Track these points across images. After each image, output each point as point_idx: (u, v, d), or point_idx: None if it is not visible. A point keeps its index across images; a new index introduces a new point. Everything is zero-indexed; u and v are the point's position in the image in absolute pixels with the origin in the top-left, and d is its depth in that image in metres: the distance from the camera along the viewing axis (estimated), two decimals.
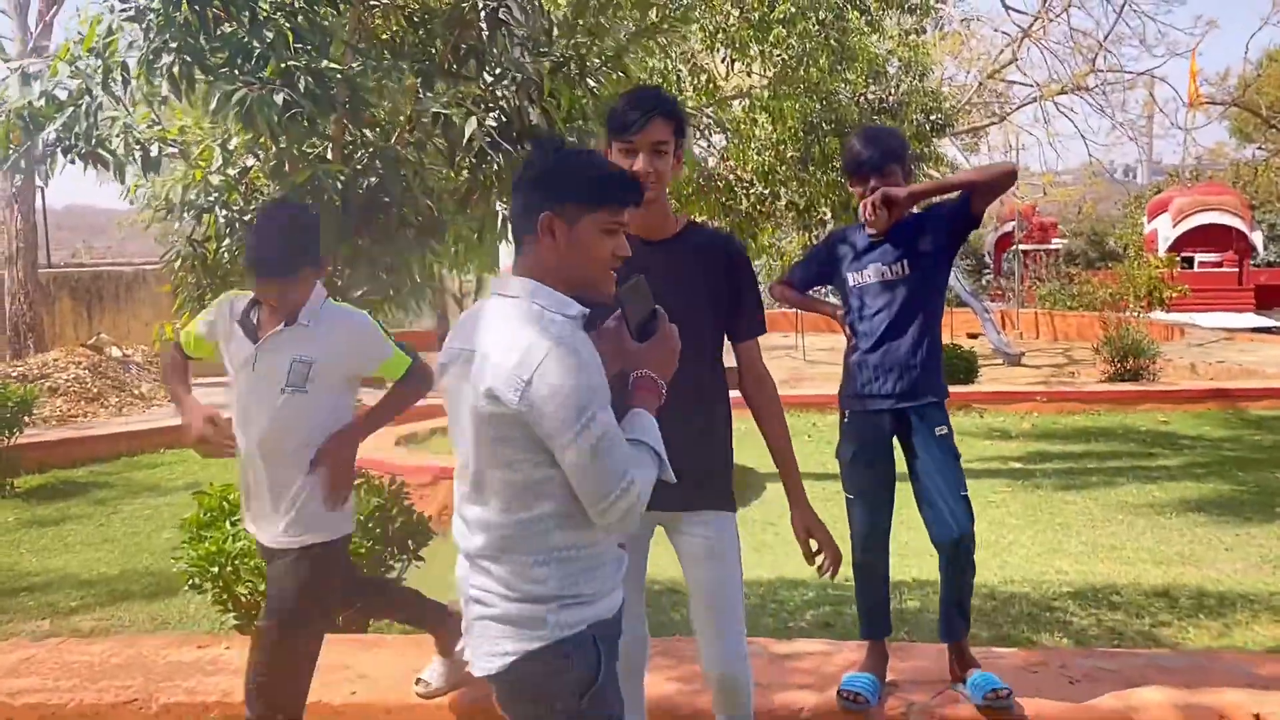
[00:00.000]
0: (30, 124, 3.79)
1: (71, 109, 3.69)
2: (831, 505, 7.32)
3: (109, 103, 3.79)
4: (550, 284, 1.98)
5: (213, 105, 3.16)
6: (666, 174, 2.56)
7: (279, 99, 3.12)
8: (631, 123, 2.49)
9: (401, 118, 3.75)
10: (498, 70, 3.53)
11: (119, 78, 3.67)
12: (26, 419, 9.27)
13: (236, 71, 3.34)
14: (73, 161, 4.04)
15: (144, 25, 3.35)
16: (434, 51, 3.67)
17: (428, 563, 4.24)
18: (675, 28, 4.12)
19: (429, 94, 3.47)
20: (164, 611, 5.27)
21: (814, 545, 2.78)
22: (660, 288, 2.49)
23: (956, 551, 3.29)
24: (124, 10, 3.42)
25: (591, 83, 3.67)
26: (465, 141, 3.56)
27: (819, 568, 2.80)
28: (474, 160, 3.83)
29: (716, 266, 2.62)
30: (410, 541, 4.09)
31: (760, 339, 2.77)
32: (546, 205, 1.96)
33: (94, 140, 3.83)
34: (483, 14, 3.46)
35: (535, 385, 1.86)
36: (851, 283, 3.31)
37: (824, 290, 3.86)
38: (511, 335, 1.91)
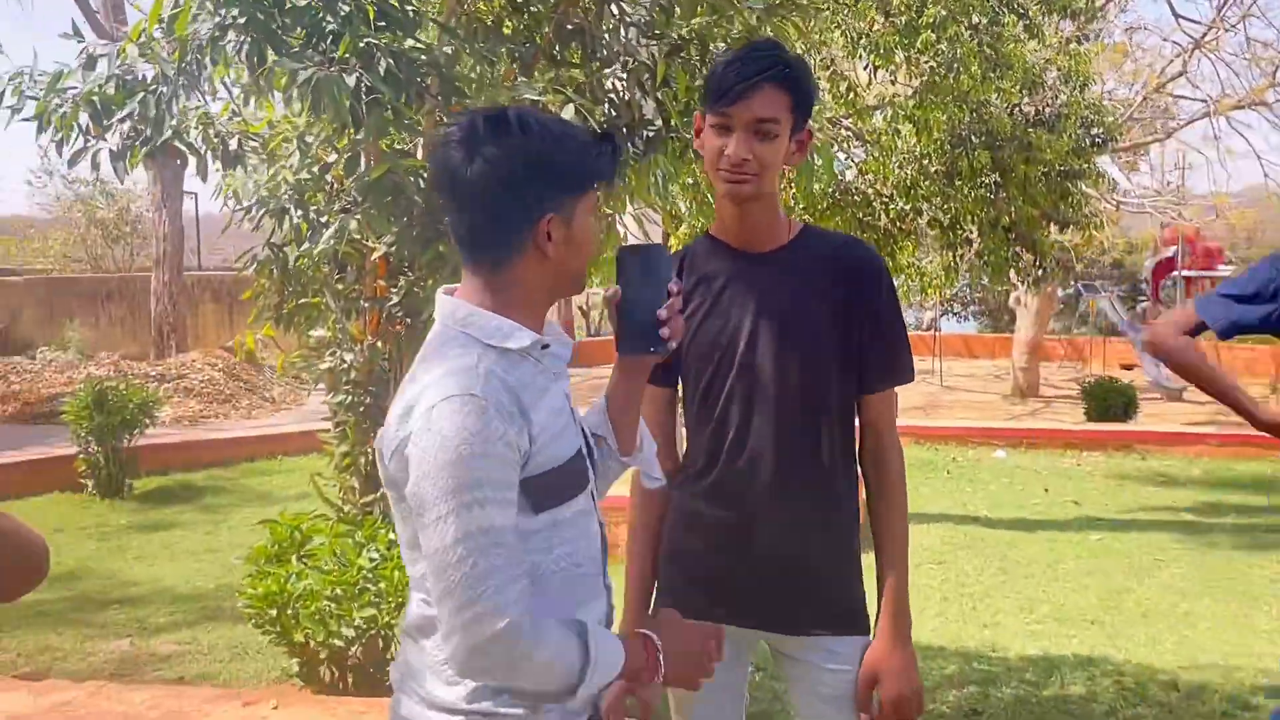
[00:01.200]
0: (102, 112, 3.48)
1: (143, 95, 3.36)
2: (967, 553, 6.57)
3: (185, 90, 3.45)
4: (519, 304, 1.50)
5: (279, 87, 2.77)
6: (774, 163, 1.88)
7: (350, 80, 2.71)
8: (729, 88, 1.82)
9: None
10: (604, 54, 3.05)
11: (194, 61, 3.31)
12: (147, 420, 9.27)
13: (312, 51, 2.94)
14: (151, 155, 3.72)
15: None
16: (537, 36, 3.21)
17: None
18: (815, 5, 3.56)
19: (524, 80, 3.01)
20: (245, 639, 4.95)
21: (876, 696, 1.97)
22: (762, 317, 1.93)
23: None
24: None
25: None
26: None
27: None
28: None
29: (844, 285, 1.93)
30: None
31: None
32: (542, 206, 1.47)
33: (169, 131, 3.50)
34: None
35: (412, 443, 1.40)
36: None
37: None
38: (413, 377, 1.48)
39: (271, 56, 3.00)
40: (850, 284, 1.95)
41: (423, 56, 2.90)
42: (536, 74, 3.13)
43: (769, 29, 3.16)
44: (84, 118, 3.46)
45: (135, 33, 3.38)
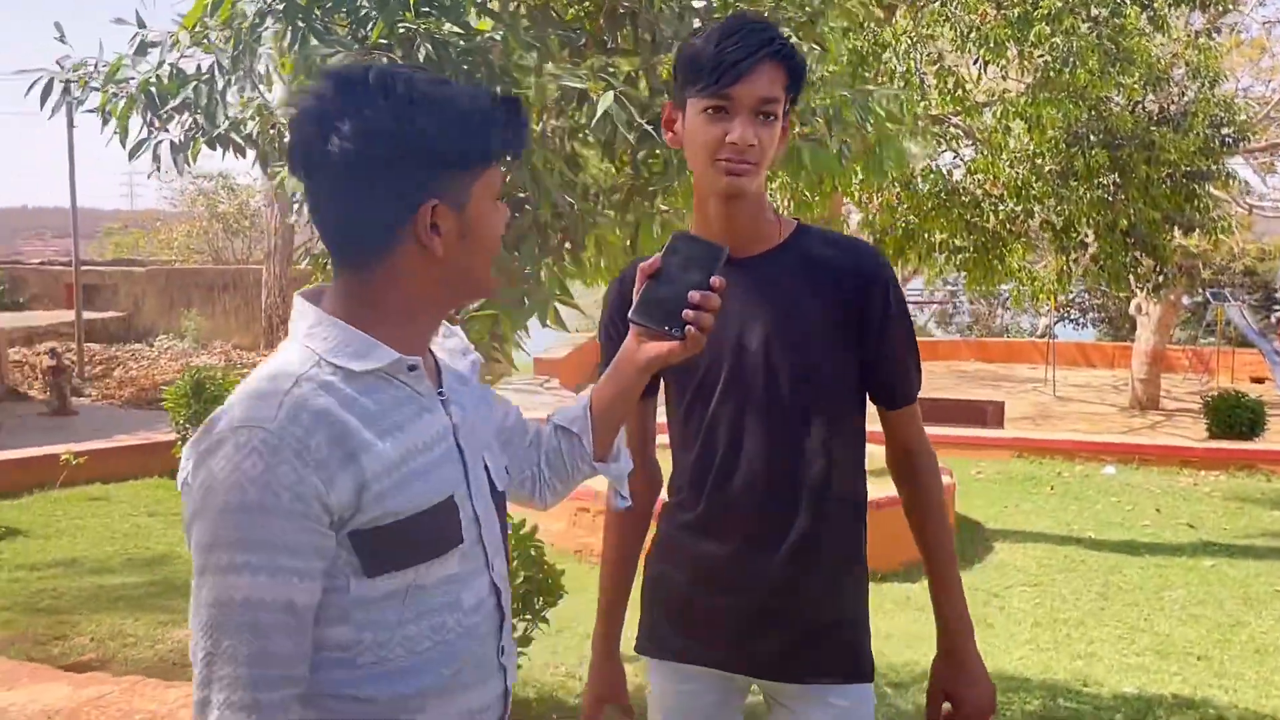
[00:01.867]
0: (159, 102, 3.44)
1: (195, 84, 3.31)
2: (1065, 577, 6.17)
3: (239, 81, 3.39)
4: (391, 313, 1.22)
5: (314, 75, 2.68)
6: (773, 150, 1.65)
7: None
8: (729, 66, 1.59)
9: (549, 98, 3.16)
10: (658, 41, 2.87)
11: (245, 49, 3.25)
12: None
13: (350, 38, 2.84)
14: (212, 146, 3.68)
15: None
16: (587, 22, 3.05)
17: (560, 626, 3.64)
18: None
19: (567, 68, 2.85)
20: None
21: (947, 709, 1.83)
22: (750, 331, 1.70)
23: None
24: None
25: None
26: (630, 127, 2.91)
27: None
28: (634, 151, 3.17)
29: (846, 294, 1.70)
30: (537, 600, 3.49)
31: (912, 404, 1.84)
32: (420, 190, 1.18)
33: (225, 123, 3.45)
34: None
35: (195, 482, 1.12)
36: None
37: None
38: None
39: (313, 43, 2.90)
40: (853, 293, 1.72)
41: (462, 43, 2.76)
42: (589, 63, 2.96)
43: (834, 13, 2.95)
44: (141, 108, 3.43)
45: (189, 20, 3.33)
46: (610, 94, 2.58)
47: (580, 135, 3.32)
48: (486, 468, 1.35)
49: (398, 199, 1.18)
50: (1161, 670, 4.95)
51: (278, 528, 1.10)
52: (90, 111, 3.69)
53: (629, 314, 1.46)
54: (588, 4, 3.33)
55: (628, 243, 3.23)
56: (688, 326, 1.40)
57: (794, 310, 1.71)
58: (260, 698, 1.09)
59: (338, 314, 1.22)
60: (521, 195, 3.12)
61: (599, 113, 2.60)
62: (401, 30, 2.78)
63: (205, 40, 3.38)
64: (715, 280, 1.43)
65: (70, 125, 16.13)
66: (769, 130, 1.63)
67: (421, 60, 2.79)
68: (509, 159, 1.28)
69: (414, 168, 1.17)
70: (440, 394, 1.30)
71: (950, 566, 1.85)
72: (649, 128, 3.00)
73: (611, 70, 2.92)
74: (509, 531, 1.48)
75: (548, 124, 3.24)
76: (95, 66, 3.67)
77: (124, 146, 3.75)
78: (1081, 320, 27.02)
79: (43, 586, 6.00)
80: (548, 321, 2.93)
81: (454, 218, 1.21)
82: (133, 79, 3.45)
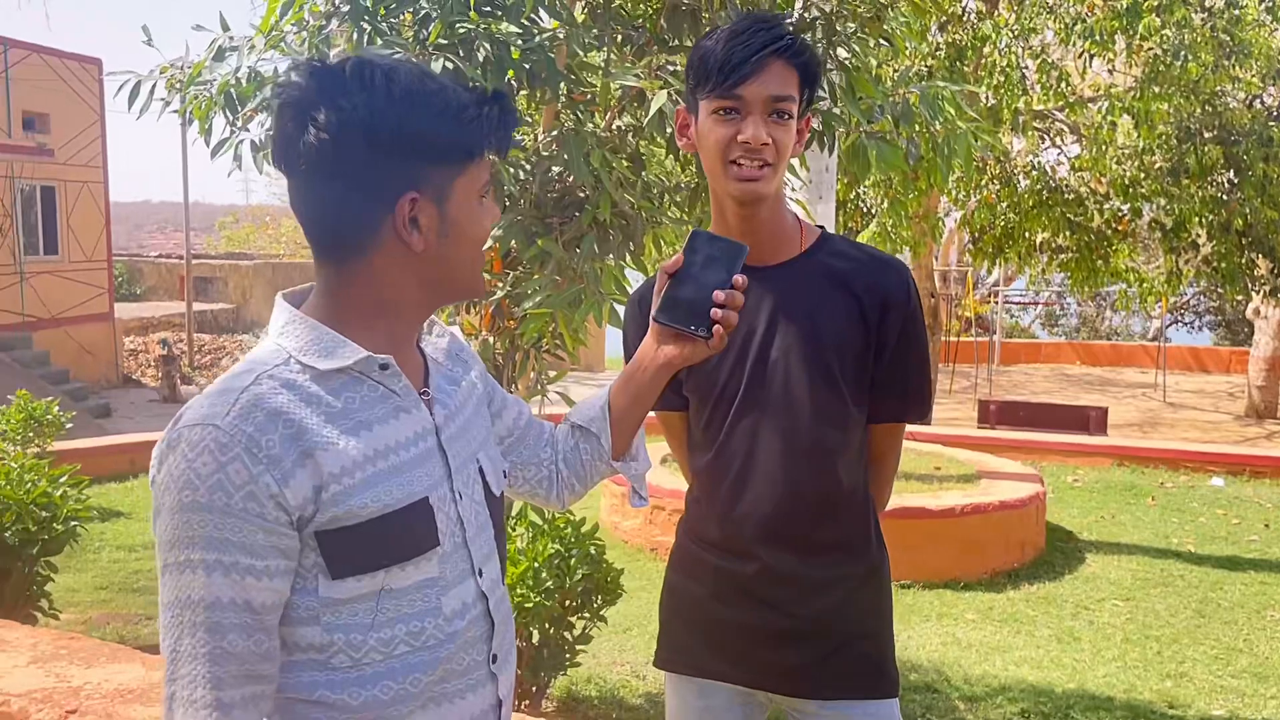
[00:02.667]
0: (238, 103, 3.54)
1: (271, 86, 3.39)
2: (1160, 591, 5.93)
3: None
4: (367, 311, 1.20)
5: None
6: (789, 151, 1.60)
7: (436, 67, 2.61)
8: (737, 65, 1.54)
9: (612, 97, 3.14)
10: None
11: (317, 51, 3.32)
12: None
13: (412, 39, 2.87)
14: None
15: None
16: (647, 21, 3.02)
17: (627, 625, 3.63)
18: None
19: (625, 66, 2.82)
20: None
21: None
22: (769, 343, 1.67)
23: None
24: None
25: (842, 52, 2.86)
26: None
27: None
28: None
29: (864, 307, 1.66)
30: (596, 598, 3.48)
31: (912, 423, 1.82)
32: (398, 183, 1.15)
33: None
34: None
35: (157, 479, 1.12)
36: None
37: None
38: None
39: (378, 43, 2.95)
40: (873, 311, 1.67)
41: (521, 42, 2.76)
42: (649, 60, 2.94)
43: (903, 7, 2.86)
44: (221, 109, 3.53)
45: (265, 24, 3.41)
46: (664, 92, 2.55)
47: (647, 134, 3.31)
48: (481, 470, 1.32)
49: (375, 192, 1.15)
50: (1258, 694, 4.70)
51: (230, 526, 1.09)
52: (174, 112, 3.82)
53: (653, 315, 1.45)
54: (650, 2, 3.32)
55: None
56: (714, 328, 1.39)
57: (814, 323, 1.67)
58: (221, 696, 1.09)
59: (315, 313, 1.20)
60: (581, 194, 3.12)
61: (652, 110, 2.58)
62: (461, 30, 2.80)
63: (281, 43, 3.46)
64: (738, 279, 1.42)
65: (184, 123, 16.78)
66: (783, 130, 1.59)
67: (481, 60, 2.81)
68: (495, 155, 1.24)
69: (391, 161, 1.14)
70: (424, 393, 1.27)
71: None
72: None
73: (671, 68, 2.89)
74: (506, 536, 1.47)
75: (611, 122, 3.24)
76: (180, 68, 3.79)
77: (207, 145, 3.87)
78: (1196, 324, 25.92)
79: (139, 567, 6.25)
80: (605, 321, 2.92)
81: (434, 213, 1.18)
82: (213, 81, 3.55)
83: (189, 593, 1.09)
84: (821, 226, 1.77)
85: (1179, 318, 25.18)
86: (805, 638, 1.70)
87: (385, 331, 1.22)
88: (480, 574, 1.28)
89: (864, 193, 11.13)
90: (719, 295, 1.40)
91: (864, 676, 1.72)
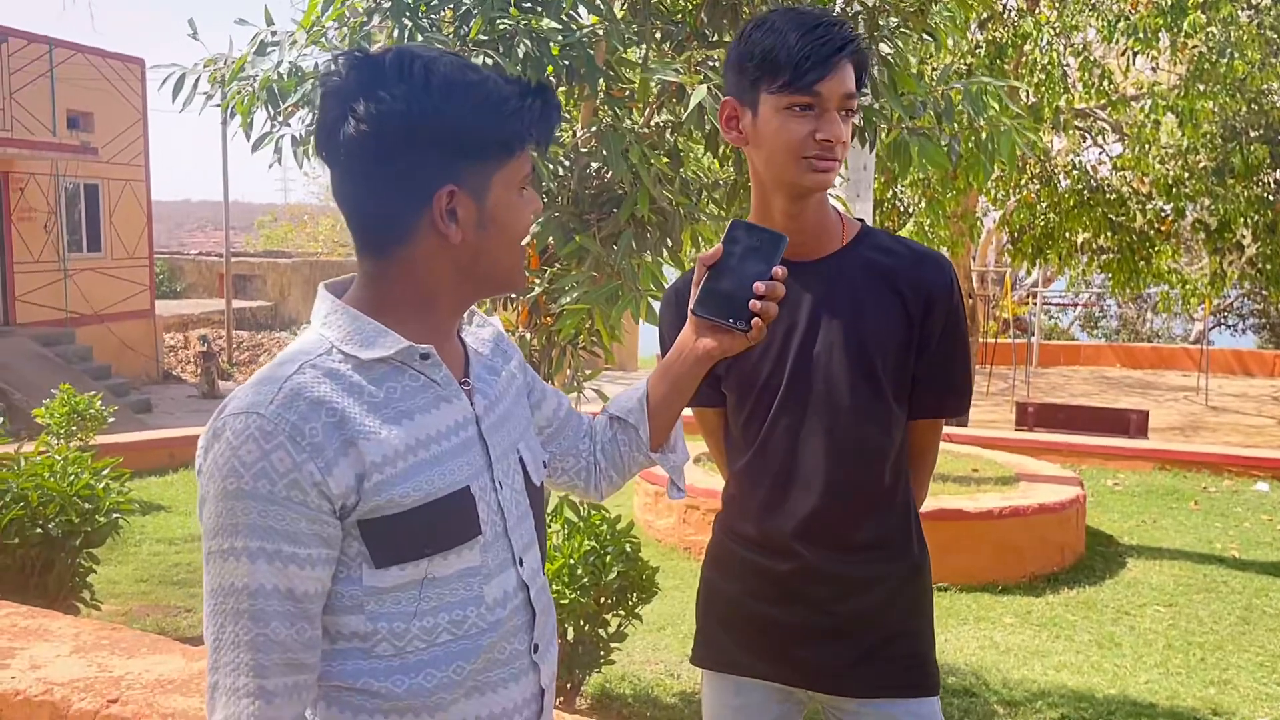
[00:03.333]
0: (279, 98, 3.57)
1: (312, 81, 3.41)
2: (1204, 597, 5.82)
3: None
4: (406, 301, 1.20)
5: None
6: (848, 149, 1.66)
7: (477, 63, 2.60)
8: (816, 63, 1.53)
9: (650, 93, 3.13)
10: None
11: (361, 46, 3.34)
12: None
13: (452, 35, 2.88)
14: None
15: None
16: (688, 16, 3.00)
17: (661, 624, 3.61)
18: None
19: (664, 60, 2.81)
20: None
21: None
22: (811, 337, 1.65)
23: None
24: None
25: (885, 47, 2.83)
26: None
27: None
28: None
29: (906, 301, 1.65)
30: (632, 595, 3.47)
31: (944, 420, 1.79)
32: (436, 175, 1.14)
33: None
34: None
35: (203, 468, 1.12)
36: None
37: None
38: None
39: (419, 39, 2.96)
40: (915, 304, 1.65)
41: (560, 37, 2.76)
42: (687, 56, 2.93)
43: (946, 1, 2.82)
44: (263, 104, 3.56)
45: (306, 20, 3.44)
46: (704, 87, 2.54)
47: (685, 130, 3.30)
48: (521, 460, 1.32)
49: (413, 184, 1.15)
50: None
51: (274, 514, 1.09)
52: (216, 106, 3.85)
53: (691, 308, 1.44)
54: None
55: None
56: (753, 320, 1.38)
57: (857, 317, 1.65)
58: (264, 684, 1.10)
59: (356, 303, 1.21)
60: (620, 190, 3.11)
61: (692, 105, 2.57)
62: (502, 27, 2.81)
63: (322, 39, 3.48)
64: (777, 270, 1.40)
65: (224, 122, 16.99)
66: (849, 128, 1.60)
67: (521, 56, 2.81)
68: (536, 149, 1.23)
69: (429, 153, 1.14)
70: (464, 383, 1.27)
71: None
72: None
73: (711, 63, 2.88)
74: (546, 527, 1.46)
75: (650, 118, 3.23)
76: (223, 63, 3.82)
77: (248, 140, 3.90)
78: (1240, 326, 25.49)
79: (179, 560, 6.32)
80: (641, 317, 2.91)
81: (473, 205, 1.17)
82: (255, 76, 3.58)
83: (232, 580, 1.10)
84: (861, 220, 1.75)
85: (1222, 320, 24.79)
86: (845, 635, 1.68)
87: (425, 322, 1.22)
88: (521, 563, 1.28)
89: (901, 191, 11.04)
90: (759, 287, 1.38)
91: (905, 674, 1.70)
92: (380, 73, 1.13)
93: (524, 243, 1.28)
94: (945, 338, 1.66)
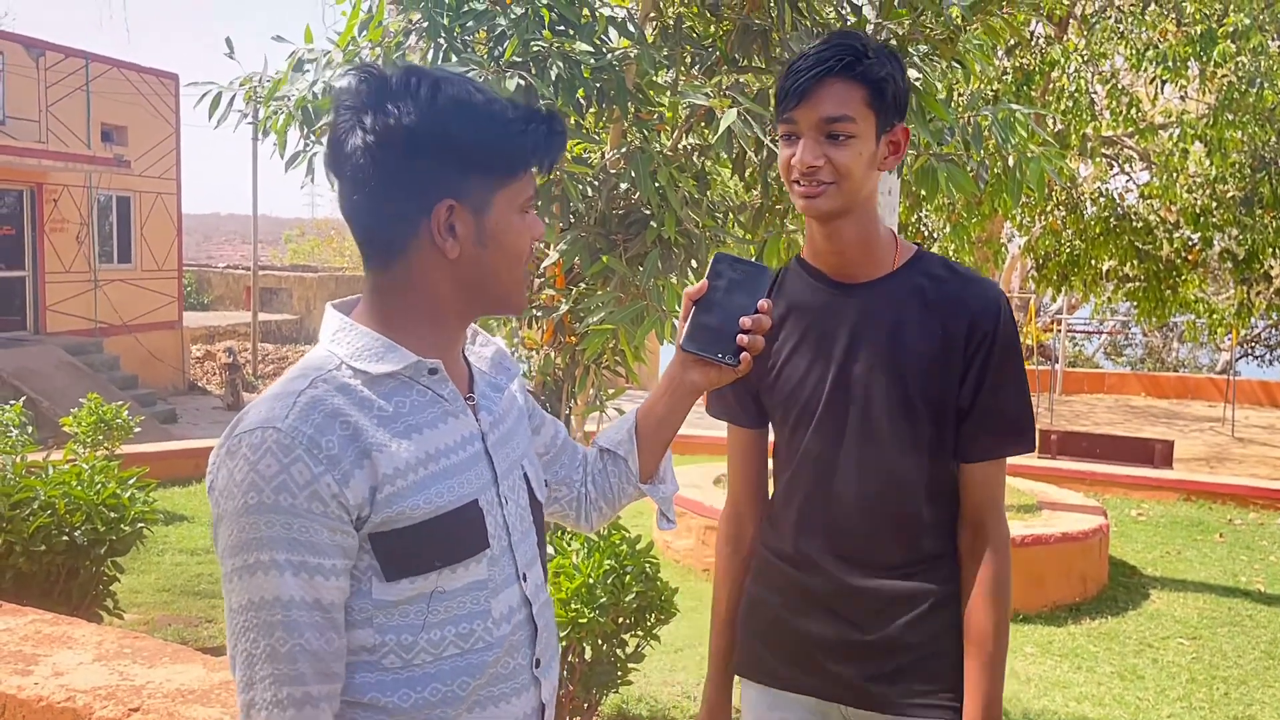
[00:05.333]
0: (314, 117, 3.61)
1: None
2: (1228, 631, 5.76)
3: None
4: (409, 315, 1.22)
5: None
6: (855, 170, 1.57)
7: (511, 85, 2.64)
8: (789, 91, 1.55)
9: (681, 116, 3.15)
10: (788, 59, 2.84)
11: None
12: None
13: (486, 55, 2.91)
14: None
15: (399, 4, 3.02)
16: (719, 40, 3.03)
17: (680, 645, 3.61)
18: (1030, 1, 3.11)
19: (694, 84, 2.84)
20: None
21: None
22: (851, 360, 1.65)
23: None
24: None
25: (913, 73, 2.85)
26: (758, 145, 2.89)
27: None
28: (764, 169, 3.14)
29: (953, 331, 1.61)
30: (650, 616, 3.47)
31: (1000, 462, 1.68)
32: (435, 190, 1.17)
33: None
34: None
35: (217, 486, 1.13)
36: None
37: None
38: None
39: (453, 60, 3.00)
40: (960, 331, 1.62)
41: (592, 60, 2.79)
42: (716, 78, 2.95)
43: (979, 27, 2.83)
44: (298, 123, 3.60)
45: (342, 40, 3.49)
46: (734, 111, 2.56)
47: (713, 153, 3.32)
48: (526, 477, 1.34)
49: (414, 196, 1.17)
50: None
51: (297, 526, 1.10)
52: (251, 124, 3.91)
53: (679, 343, 1.46)
54: (722, 22, 3.33)
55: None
56: (741, 355, 1.40)
57: (898, 342, 1.64)
58: (309, 690, 1.11)
59: (363, 320, 1.23)
60: (646, 212, 3.13)
61: (721, 129, 2.59)
62: (535, 49, 2.84)
63: (357, 58, 3.52)
64: (763, 303, 1.42)
65: (255, 138, 17.18)
66: (842, 150, 1.57)
67: (553, 78, 2.84)
68: (540, 173, 1.25)
69: (431, 166, 1.16)
70: (469, 399, 1.29)
71: (999, 665, 1.66)
72: (775, 146, 2.98)
73: (742, 88, 2.90)
74: (546, 545, 1.47)
75: (678, 141, 3.25)
76: (259, 81, 3.88)
77: (282, 158, 3.95)
78: (1267, 357, 25.23)
79: (201, 571, 6.36)
80: (666, 338, 2.92)
81: (472, 221, 1.19)
82: (291, 95, 3.63)
83: (261, 593, 1.10)
84: (918, 245, 1.75)
85: (1249, 350, 24.57)
86: (879, 652, 1.68)
87: (428, 337, 1.24)
88: (525, 579, 1.29)
89: (926, 216, 11.03)
90: (744, 322, 1.40)
91: (941, 693, 1.69)
92: (388, 88, 1.16)
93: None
94: (994, 367, 1.63)
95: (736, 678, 1.87)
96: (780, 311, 1.72)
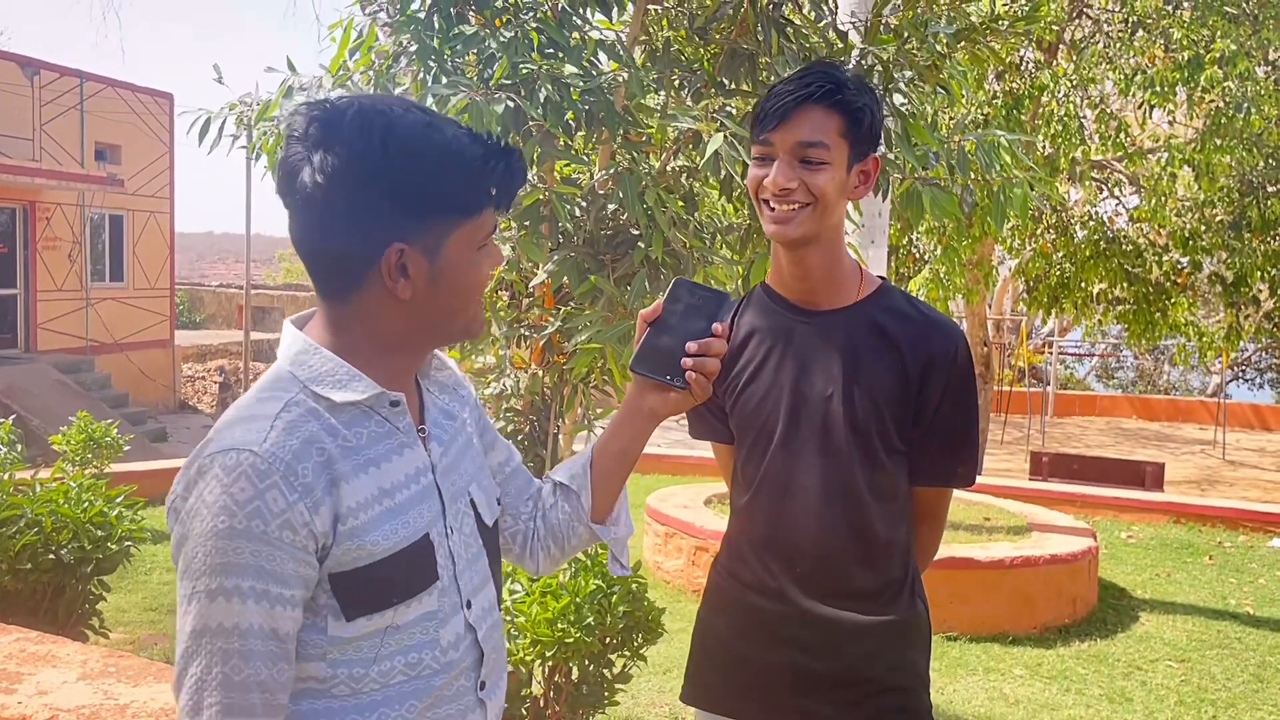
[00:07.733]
0: None
1: (285, 119, 3.48)
2: (1217, 654, 5.77)
3: None
4: (366, 347, 1.19)
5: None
6: (828, 196, 1.59)
7: (499, 108, 2.67)
8: (767, 113, 1.58)
9: (669, 139, 3.18)
10: (775, 84, 2.87)
11: (386, 89, 3.41)
12: None
13: (475, 78, 2.94)
14: None
15: (386, 25, 3.05)
16: (708, 64, 3.06)
17: (667, 666, 3.60)
18: (1016, 30, 3.16)
19: (680, 108, 2.87)
20: None
21: None
22: (807, 389, 1.67)
23: None
24: (372, 10, 3.14)
25: (898, 99, 2.88)
26: (743, 168, 2.93)
27: None
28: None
29: (906, 365, 1.64)
30: (637, 636, 3.47)
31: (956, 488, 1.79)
32: (384, 234, 1.13)
33: None
34: (769, 4, 2.77)
35: (183, 506, 1.10)
36: None
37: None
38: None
39: (443, 82, 3.02)
40: (915, 369, 1.65)
41: (581, 83, 2.82)
42: (705, 104, 2.98)
43: (964, 54, 2.87)
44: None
45: (334, 64, 3.51)
46: (720, 134, 2.59)
47: (701, 175, 3.35)
48: (473, 502, 1.32)
49: (363, 239, 1.14)
50: None
51: (265, 554, 1.08)
52: (242, 147, 3.93)
53: (629, 364, 1.44)
54: (710, 47, 3.37)
55: (739, 282, 3.22)
56: (690, 375, 1.37)
57: (855, 369, 1.66)
58: None
59: (322, 341, 1.20)
60: (634, 232, 3.16)
61: (708, 152, 2.62)
62: (524, 71, 2.87)
63: (348, 82, 3.55)
64: (717, 327, 1.40)
65: (249, 158, 17.23)
66: (815, 175, 1.59)
67: (542, 100, 2.87)
68: (497, 211, 1.22)
69: (380, 209, 1.13)
70: (421, 430, 1.27)
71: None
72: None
73: (728, 111, 2.93)
74: (502, 566, 1.45)
75: (666, 163, 3.28)
76: (249, 105, 3.91)
77: (274, 179, 3.95)
78: (1258, 380, 25.34)
79: None
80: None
81: (424, 263, 1.16)
82: (281, 118, 3.65)
83: (220, 620, 1.08)
84: (883, 278, 1.77)
85: (1240, 374, 24.67)
86: (833, 685, 1.68)
87: (385, 367, 1.21)
88: (469, 606, 1.27)
89: (917, 238, 11.10)
90: (691, 346, 1.38)
91: None
92: (339, 127, 1.12)
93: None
94: (946, 406, 1.66)
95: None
96: (742, 335, 1.73)
